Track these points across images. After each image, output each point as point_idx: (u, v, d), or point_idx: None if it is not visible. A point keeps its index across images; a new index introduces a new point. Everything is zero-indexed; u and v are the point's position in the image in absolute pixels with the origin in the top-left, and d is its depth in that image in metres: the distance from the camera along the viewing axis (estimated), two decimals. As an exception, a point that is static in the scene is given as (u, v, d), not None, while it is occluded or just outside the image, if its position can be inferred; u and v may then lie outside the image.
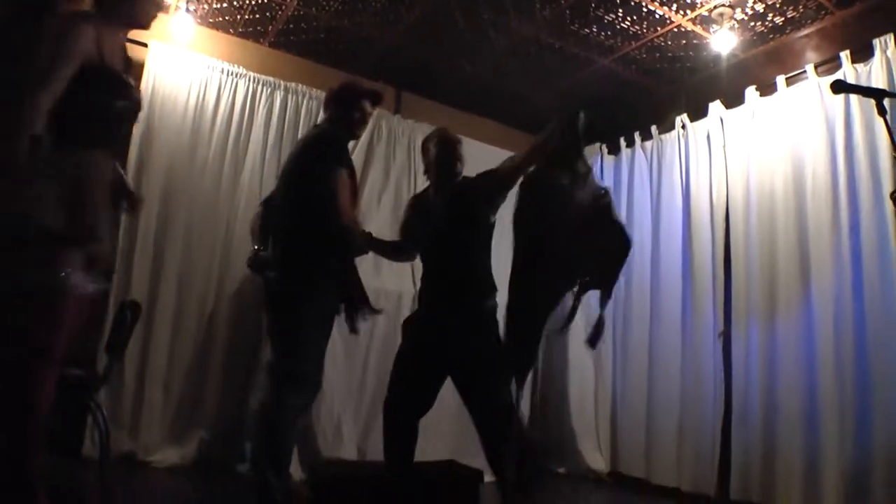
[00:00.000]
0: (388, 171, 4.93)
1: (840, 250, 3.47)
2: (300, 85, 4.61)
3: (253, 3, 4.12)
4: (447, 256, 2.90)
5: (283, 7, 4.16)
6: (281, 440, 2.60)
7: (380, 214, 4.80)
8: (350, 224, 2.71)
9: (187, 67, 4.24)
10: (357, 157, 4.70)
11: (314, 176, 2.69)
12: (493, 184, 2.86)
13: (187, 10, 4.04)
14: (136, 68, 4.04)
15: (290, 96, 4.57)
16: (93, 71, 2.06)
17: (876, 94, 2.56)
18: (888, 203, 3.21)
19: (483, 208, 2.88)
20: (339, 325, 4.36)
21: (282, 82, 4.54)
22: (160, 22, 4.17)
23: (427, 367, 2.83)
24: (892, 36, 3.47)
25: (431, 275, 2.97)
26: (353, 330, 2.83)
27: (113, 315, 3.44)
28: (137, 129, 3.98)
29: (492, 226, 2.92)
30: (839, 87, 2.53)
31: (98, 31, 2.06)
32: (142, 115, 4.00)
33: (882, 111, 2.37)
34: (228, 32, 4.48)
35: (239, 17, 4.28)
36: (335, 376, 4.33)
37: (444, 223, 2.89)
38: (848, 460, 3.23)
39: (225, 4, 4.13)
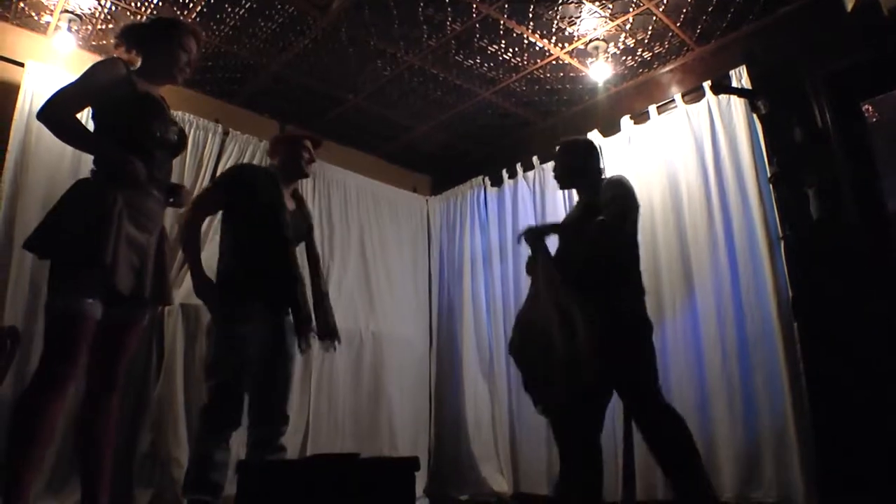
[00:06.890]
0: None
1: (717, 253, 3.79)
2: (187, 114, 4.51)
3: (141, 26, 4.00)
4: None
5: (174, 31, 4.07)
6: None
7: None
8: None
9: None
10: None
11: None
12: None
13: (69, 29, 3.87)
14: (11, 88, 3.83)
15: (177, 125, 4.45)
16: (130, 97, 2.27)
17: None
18: (755, 205, 3.60)
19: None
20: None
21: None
22: (39, 41, 3.99)
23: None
24: (744, 67, 3.89)
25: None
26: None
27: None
28: (10, 155, 3.73)
29: None
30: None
31: (129, 70, 2.35)
32: (17, 137, 3.79)
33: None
34: (111, 57, 4.30)
35: (125, 40, 4.13)
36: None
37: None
38: (739, 444, 3.47)
39: (111, 26, 3.98)
